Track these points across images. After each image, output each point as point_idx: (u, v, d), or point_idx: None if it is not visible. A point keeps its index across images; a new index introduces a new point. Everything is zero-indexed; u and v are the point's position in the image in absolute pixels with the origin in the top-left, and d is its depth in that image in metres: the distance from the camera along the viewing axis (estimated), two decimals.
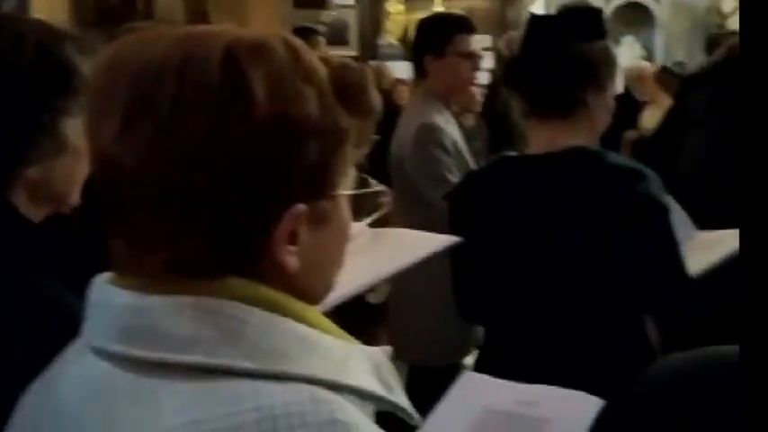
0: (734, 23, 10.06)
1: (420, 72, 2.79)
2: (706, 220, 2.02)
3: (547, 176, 1.67)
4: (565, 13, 1.76)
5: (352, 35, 9.95)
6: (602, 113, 1.73)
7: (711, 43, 4.56)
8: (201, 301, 0.64)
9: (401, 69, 6.20)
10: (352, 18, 9.92)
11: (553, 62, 1.67)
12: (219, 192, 0.63)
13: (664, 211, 1.60)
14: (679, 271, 1.62)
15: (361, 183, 3.19)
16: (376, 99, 0.82)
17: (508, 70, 1.81)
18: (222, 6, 5.61)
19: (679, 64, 8.16)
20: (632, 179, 1.59)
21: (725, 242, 1.88)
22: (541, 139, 1.71)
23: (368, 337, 0.81)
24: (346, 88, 0.71)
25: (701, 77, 3.32)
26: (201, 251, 0.65)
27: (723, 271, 1.82)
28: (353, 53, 9.87)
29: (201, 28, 0.69)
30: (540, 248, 1.67)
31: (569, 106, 1.68)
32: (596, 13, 1.74)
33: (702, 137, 3.07)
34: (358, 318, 1.66)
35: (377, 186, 3.18)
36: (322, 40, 4.47)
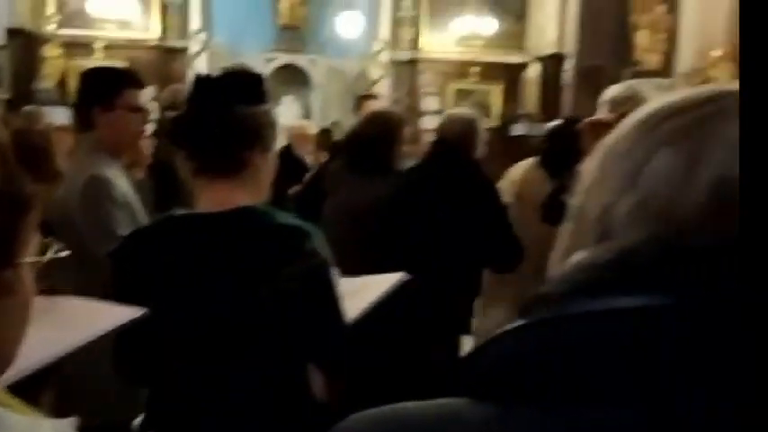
0: (379, 87, 11.09)
1: (85, 123, 2.69)
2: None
3: (215, 236, 1.67)
4: (229, 75, 1.78)
5: (5, 78, 9.22)
6: (268, 173, 1.80)
7: (355, 106, 5.04)
8: None
9: (59, 115, 5.90)
10: (4, 60, 9.20)
11: (219, 124, 1.68)
12: None
13: (326, 265, 1.68)
14: (340, 322, 1.71)
15: (44, 247, 2.99)
16: (59, 163, 0.82)
17: (174, 128, 1.81)
18: None
19: (336, 123, 8.77)
20: (298, 236, 1.65)
21: (370, 287, 2.10)
22: (210, 197, 1.72)
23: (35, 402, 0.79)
24: (29, 152, 0.72)
25: (340, 145, 3.73)
26: None
27: (374, 316, 2.00)
28: (6, 96, 9.17)
29: None
30: (205, 308, 1.67)
31: (236, 167, 1.71)
32: (259, 78, 1.79)
33: (338, 205, 3.36)
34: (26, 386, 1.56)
35: (62, 252, 2.99)
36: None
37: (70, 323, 1.67)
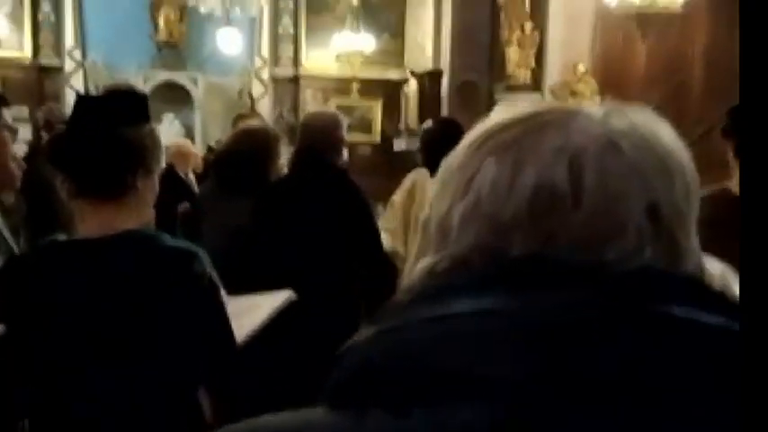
0: (261, 107, 11.12)
1: None
2: None
3: (99, 262, 1.63)
4: (111, 95, 1.79)
5: None
6: (151, 195, 1.76)
7: (233, 125, 5.04)
8: None
9: None
10: None
11: (101, 145, 1.65)
12: None
13: (215, 288, 1.68)
14: (229, 344, 1.72)
15: None
16: None
17: (53, 148, 1.75)
18: None
19: (219, 142, 8.73)
20: (185, 259, 1.64)
21: (258, 308, 2.15)
22: (93, 222, 1.68)
23: None
24: None
25: (215, 162, 3.68)
26: None
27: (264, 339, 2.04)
28: None
29: None
30: (92, 338, 1.63)
31: (119, 190, 1.67)
32: (142, 98, 1.77)
33: (212, 225, 3.32)
34: None
35: None
36: None
37: None
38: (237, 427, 0.62)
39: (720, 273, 1.55)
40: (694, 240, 0.64)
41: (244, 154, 3.29)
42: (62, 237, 1.75)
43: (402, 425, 0.53)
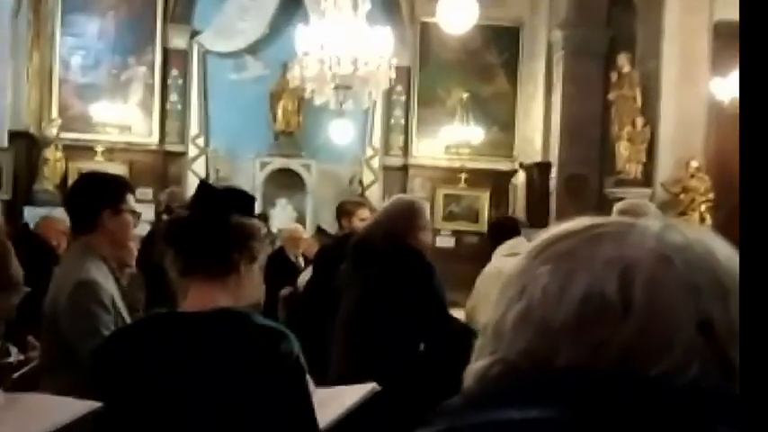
0: (371, 194, 11.36)
1: (87, 225, 2.79)
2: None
3: (193, 335, 1.75)
4: (228, 189, 1.98)
5: (6, 179, 9.44)
6: (252, 281, 1.90)
7: (340, 213, 5.13)
8: None
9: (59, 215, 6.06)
10: (6, 161, 9.44)
11: (216, 227, 1.82)
12: None
13: (302, 371, 1.75)
14: (311, 426, 1.78)
15: (2, 351, 3.06)
16: (17, 271, 0.94)
17: (169, 229, 1.94)
18: None
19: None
20: (274, 338, 1.73)
21: (341, 398, 2.18)
22: (195, 298, 1.81)
23: None
24: None
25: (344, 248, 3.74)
26: None
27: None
28: (6, 197, 9.37)
29: None
30: (182, 408, 1.71)
31: (224, 269, 1.82)
32: (252, 196, 1.98)
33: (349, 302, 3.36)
34: None
35: (17, 355, 3.08)
36: None
37: (28, 417, 1.71)
38: None
39: None
40: None
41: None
42: (163, 310, 1.89)
43: None
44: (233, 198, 1.90)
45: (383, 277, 3.18)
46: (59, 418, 1.63)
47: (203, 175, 11.65)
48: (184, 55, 11.72)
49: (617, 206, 3.39)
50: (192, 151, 11.73)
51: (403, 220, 3.31)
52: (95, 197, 2.81)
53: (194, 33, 11.75)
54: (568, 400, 0.56)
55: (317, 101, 7.94)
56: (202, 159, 11.73)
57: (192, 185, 11.82)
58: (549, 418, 0.55)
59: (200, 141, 11.78)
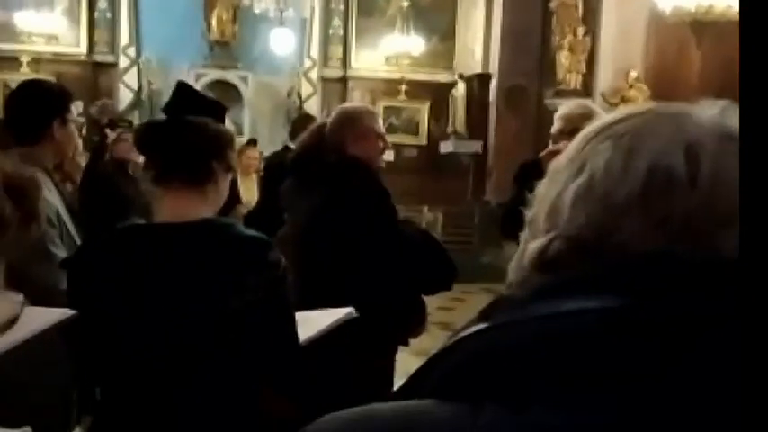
0: (309, 107, 11.21)
1: (29, 137, 2.67)
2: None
3: (180, 246, 1.69)
4: (202, 95, 1.91)
5: None
6: (225, 191, 1.84)
7: (295, 127, 5.01)
8: None
9: None
10: None
11: (197, 134, 1.74)
12: None
13: (288, 281, 1.73)
14: (295, 339, 1.77)
15: None
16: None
17: (143, 136, 1.85)
18: None
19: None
20: (263, 248, 1.69)
21: (316, 321, 2.16)
22: (172, 208, 1.74)
23: None
24: (16, 188, 0.80)
25: (289, 163, 3.63)
26: None
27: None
28: None
29: None
30: (165, 320, 1.67)
31: (203, 178, 1.75)
32: (222, 105, 1.90)
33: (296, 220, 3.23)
34: None
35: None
36: None
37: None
38: (341, 414, 0.61)
39: None
40: None
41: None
42: (140, 221, 1.81)
43: (522, 420, 0.53)
44: (208, 105, 1.83)
45: (330, 201, 3.04)
46: (31, 328, 1.55)
47: (135, 87, 11.30)
48: None
49: (561, 110, 3.11)
50: (123, 62, 11.32)
51: (341, 129, 3.15)
52: (43, 106, 2.69)
53: None
54: (634, 289, 0.55)
55: (257, 8, 7.69)
56: (134, 71, 11.34)
57: (123, 98, 11.47)
58: (615, 308, 0.54)
59: (131, 52, 11.37)
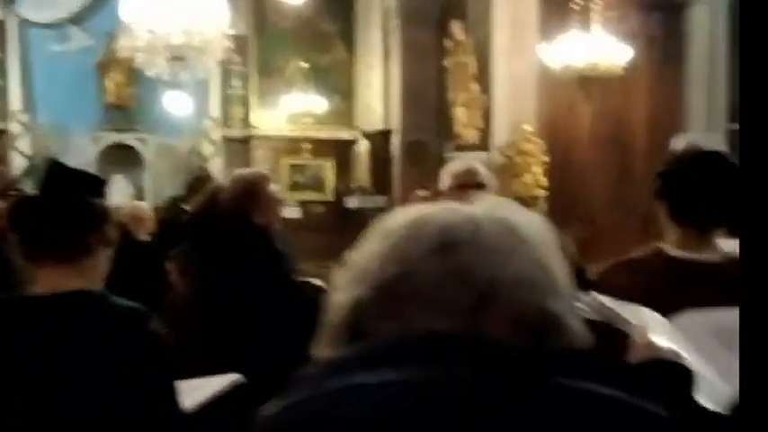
0: (211, 167, 11.12)
1: None
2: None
3: (53, 318, 1.68)
4: (77, 169, 1.86)
5: None
6: (104, 265, 1.84)
7: (191, 187, 4.98)
8: None
9: None
10: None
11: (70, 209, 1.75)
12: None
13: (167, 351, 1.73)
14: (177, 411, 1.75)
15: None
16: None
17: (18, 210, 1.83)
18: None
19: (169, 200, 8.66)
20: (140, 318, 1.70)
21: (203, 388, 2.13)
22: (48, 283, 1.73)
23: None
24: None
25: (187, 227, 3.61)
26: None
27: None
28: None
29: None
30: (43, 393, 1.64)
31: (77, 254, 1.75)
32: (101, 178, 1.90)
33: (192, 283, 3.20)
34: None
35: None
36: None
37: None
38: None
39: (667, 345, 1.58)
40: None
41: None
42: (12, 295, 1.78)
43: None
44: (84, 179, 1.82)
45: (225, 265, 3.03)
46: None
47: (29, 153, 10.97)
48: (1, 25, 10.88)
49: (448, 168, 3.48)
50: (16, 128, 10.98)
51: (242, 198, 3.16)
52: None
53: (10, 1, 10.94)
54: (420, 364, 0.60)
55: (149, 72, 7.61)
56: (27, 137, 11.01)
57: (17, 165, 11.12)
58: (404, 381, 0.59)
59: (24, 117, 11.04)
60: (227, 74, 11.51)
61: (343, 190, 11.66)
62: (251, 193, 3.14)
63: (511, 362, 0.60)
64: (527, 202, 8.27)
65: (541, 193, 8.22)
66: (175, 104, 11.17)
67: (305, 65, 11.43)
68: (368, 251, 0.73)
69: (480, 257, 0.66)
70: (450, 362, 0.60)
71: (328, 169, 11.82)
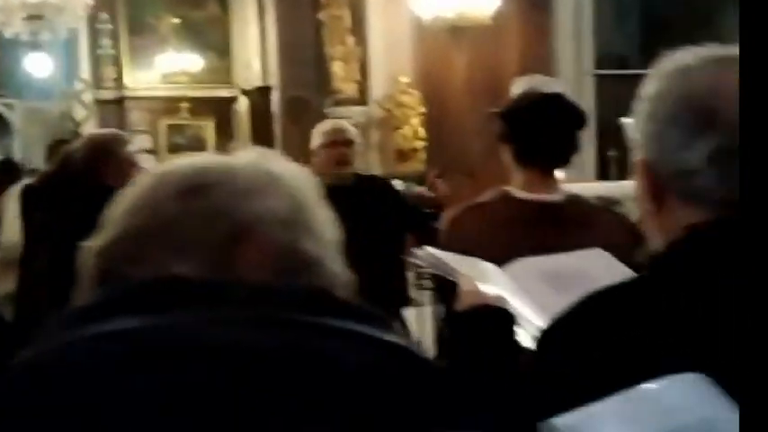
0: (86, 128, 10.68)
1: None
2: None
3: None
4: None
5: None
6: None
7: (52, 148, 4.79)
8: None
9: None
10: None
11: None
12: None
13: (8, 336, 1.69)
14: None
15: None
16: None
17: None
18: None
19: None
20: None
21: None
22: None
23: None
24: None
25: (40, 188, 3.49)
26: None
27: None
28: None
29: None
30: None
31: None
32: None
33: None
34: None
35: None
36: None
37: None
38: None
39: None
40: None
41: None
42: None
43: None
44: None
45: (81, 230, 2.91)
46: None
47: None
48: None
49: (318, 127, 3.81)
50: None
51: (94, 160, 3.05)
52: None
53: None
54: (151, 311, 0.58)
55: (7, 33, 7.21)
56: None
57: None
58: (127, 331, 0.57)
59: None
60: (95, 33, 11.03)
61: (223, 149, 11.45)
62: (104, 155, 3.04)
63: (252, 303, 0.59)
64: (407, 154, 8.37)
65: (420, 144, 8.33)
66: (40, 67, 10.64)
67: (178, 21, 11.07)
68: (120, 199, 0.71)
69: (232, 198, 0.66)
70: (189, 306, 0.58)
71: (208, 129, 11.57)
